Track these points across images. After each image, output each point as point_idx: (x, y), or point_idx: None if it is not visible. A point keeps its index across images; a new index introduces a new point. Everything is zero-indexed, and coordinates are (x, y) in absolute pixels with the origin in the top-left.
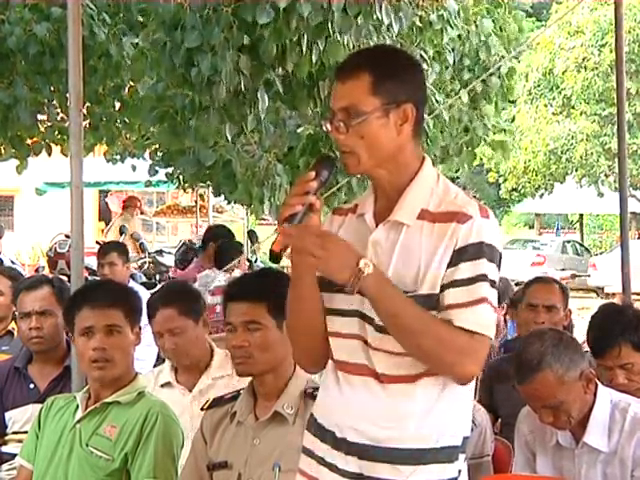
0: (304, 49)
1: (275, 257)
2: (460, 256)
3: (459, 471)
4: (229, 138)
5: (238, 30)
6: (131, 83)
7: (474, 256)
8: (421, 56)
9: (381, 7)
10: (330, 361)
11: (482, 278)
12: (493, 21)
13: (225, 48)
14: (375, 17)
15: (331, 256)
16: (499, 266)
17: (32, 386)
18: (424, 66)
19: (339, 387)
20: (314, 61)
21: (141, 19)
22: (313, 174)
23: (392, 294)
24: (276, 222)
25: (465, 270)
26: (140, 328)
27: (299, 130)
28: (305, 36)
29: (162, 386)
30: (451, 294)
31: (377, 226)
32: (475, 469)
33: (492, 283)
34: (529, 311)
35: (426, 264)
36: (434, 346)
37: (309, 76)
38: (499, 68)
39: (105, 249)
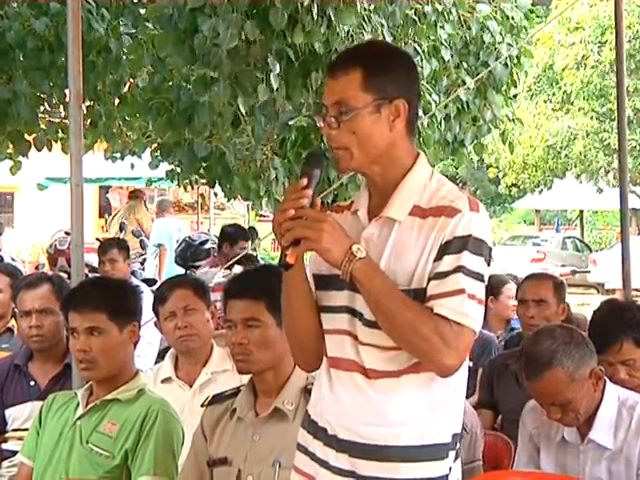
0: (315, 17)
1: (288, 267)
2: (446, 249)
3: (450, 468)
4: (243, 111)
5: None
6: (131, 80)
7: (458, 249)
8: (415, 50)
9: None
10: (324, 358)
11: (460, 269)
12: (493, 11)
13: (228, 11)
14: None
15: (326, 237)
16: (488, 260)
17: (32, 383)
18: (418, 61)
19: (331, 384)
20: (324, 31)
21: (142, 11)
22: (305, 181)
23: (380, 281)
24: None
25: (448, 262)
26: (136, 326)
27: (291, 122)
28: (315, 3)
29: (162, 382)
30: (433, 286)
31: (370, 222)
32: (467, 475)
33: (475, 275)
34: (520, 306)
35: (416, 260)
36: (418, 334)
37: (302, 65)
38: (508, 57)
39: (106, 246)
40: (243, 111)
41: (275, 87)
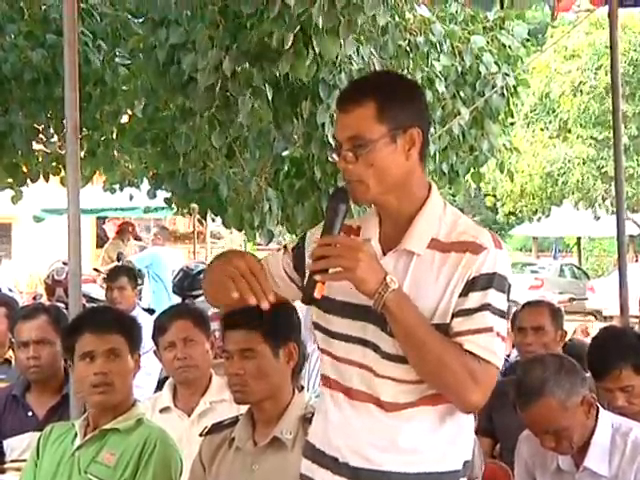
0: (289, 43)
1: (313, 301)
2: (471, 286)
3: None
4: (216, 146)
5: (225, 30)
6: (129, 111)
7: (484, 286)
8: None
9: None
10: (328, 383)
11: (487, 307)
12: (489, 40)
13: (208, 46)
14: (365, 16)
15: (363, 266)
16: (508, 296)
17: (30, 414)
18: None
19: (340, 410)
20: (309, 61)
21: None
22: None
23: (413, 314)
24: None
25: (474, 299)
26: (139, 355)
27: (284, 153)
28: (296, 33)
29: (161, 411)
30: (459, 322)
31: (384, 253)
32: None
33: (499, 313)
34: (518, 334)
35: (439, 295)
36: (448, 369)
37: (291, 94)
38: (505, 86)
39: (115, 273)
40: (217, 146)
41: (246, 124)
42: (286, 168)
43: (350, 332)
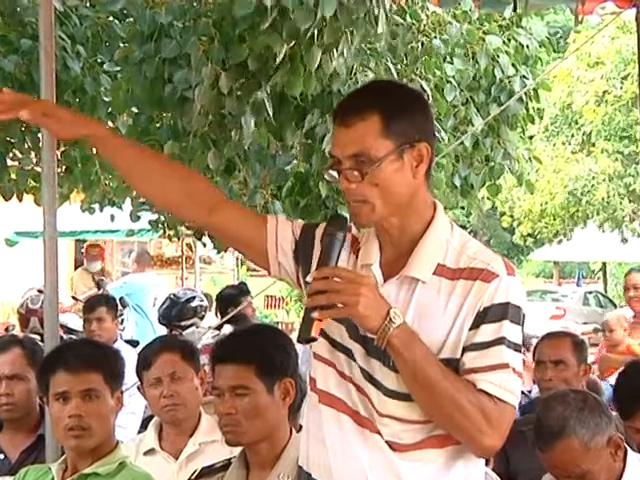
0: (281, 57)
1: (311, 341)
2: (483, 317)
3: None
4: (212, 167)
5: (220, 44)
6: (110, 123)
7: (497, 318)
8: (421, 86)
9: (377, 18)
10: (327, 404)
11: (502, 341)
12: (505, 40)
13: (202, 62)
14: (371, 29)
15: (364, 302)
16: (523, 328)
17: (2, 457)
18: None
19: (343, 436)
20: (303, 74)
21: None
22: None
23: (420, 351)
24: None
25: (486, 332)
26: (122, 392)
27: (287, 168)
28: (295, 46)
29: (145, 454)
30: (471, 358)
31: (385, 280)
32: None
33: (515, 347)
34: (537, 368)
35: (447, 327)
36: (460, 410)
37: (297, 106)
38: (525, 92)
39: (93, 303)
40: (212, 166)
41: (245, 144)
42: (290, 184)
43: (356, 354)
